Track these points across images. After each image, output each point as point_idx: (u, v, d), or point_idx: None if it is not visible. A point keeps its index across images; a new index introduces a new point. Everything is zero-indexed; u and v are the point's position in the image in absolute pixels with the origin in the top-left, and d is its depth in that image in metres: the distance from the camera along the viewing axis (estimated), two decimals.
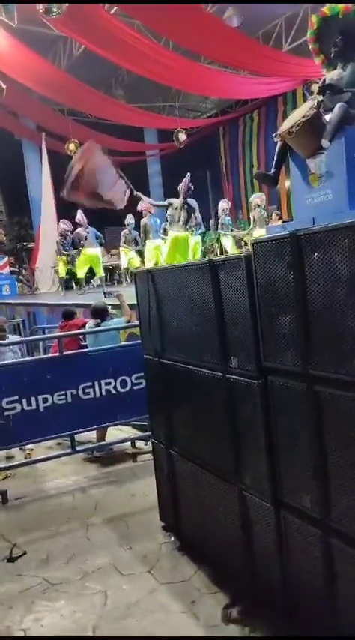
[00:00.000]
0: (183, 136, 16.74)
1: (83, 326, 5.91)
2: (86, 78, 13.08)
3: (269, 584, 2.62)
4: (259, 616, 2.71)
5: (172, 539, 3.63)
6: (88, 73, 13.63)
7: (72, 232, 12.30)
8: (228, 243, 13.10)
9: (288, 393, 2.32)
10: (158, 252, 11.21)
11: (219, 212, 13.11)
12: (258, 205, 11.65)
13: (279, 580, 2.54)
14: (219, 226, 13.34)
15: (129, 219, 12.34)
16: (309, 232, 2.06)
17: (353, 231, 1.86)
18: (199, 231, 12.05)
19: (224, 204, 13.33)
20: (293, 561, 2.46)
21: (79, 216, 11.62)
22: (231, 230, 13.22)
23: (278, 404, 2.41)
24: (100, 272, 12.08)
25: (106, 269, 15.57)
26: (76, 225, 12.07)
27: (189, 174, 9.21)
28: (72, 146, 15.51)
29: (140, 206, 11.07)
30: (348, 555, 2.12)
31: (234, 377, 2.69)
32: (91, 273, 12.66)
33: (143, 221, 11.44)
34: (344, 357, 1.96)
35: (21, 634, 2.84)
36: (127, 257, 12.42)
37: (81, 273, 12.00)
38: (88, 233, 11.62)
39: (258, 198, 11.82)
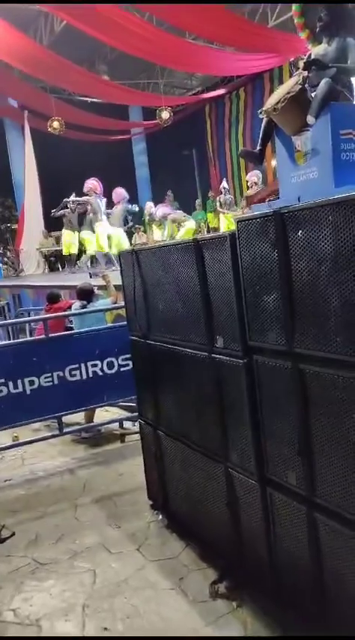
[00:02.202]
0: (166, 114, 16.47)
1: (68, 308, 5.87)
2: (68, 54, 12.76)
3: (257, 560, 2.66)
4: (247, 591, 2.76)
5: (160, 517, 3.66)
6: (71, 49, 13.30)
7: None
8: (223, 222, 13.10)
9: (273, 372, 2.32)
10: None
11: (222, 191, 13.24)
12: (256, 183, 11.56)
13: (266, 555, 2.57)
14: (219, 205, 13.35)
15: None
16: (293, 210, 2.05)
17: (337, 208, 1.84)
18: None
19: (225, 184, 13.41)
20: (279, 537, 2.49)
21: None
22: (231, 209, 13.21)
23: (263, 382, 2.41)
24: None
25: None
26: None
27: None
28: (56, 124, 15.23)
29: (86, 186, 10.71)
30: (333, 530, 2.15)
31: (219, 356, 2.69)
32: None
33: (89, 199, 10.66)
34: (329, 335, 1.97)
35: (10, 614, 2.87)
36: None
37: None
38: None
39: (254, 176, 11.72)
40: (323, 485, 2.15)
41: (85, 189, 10.74)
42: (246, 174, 17.14)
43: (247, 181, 12.29)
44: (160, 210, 12.47)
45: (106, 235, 10.54)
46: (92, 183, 10.74)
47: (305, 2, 3.98)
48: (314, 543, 2.26)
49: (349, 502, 2.03)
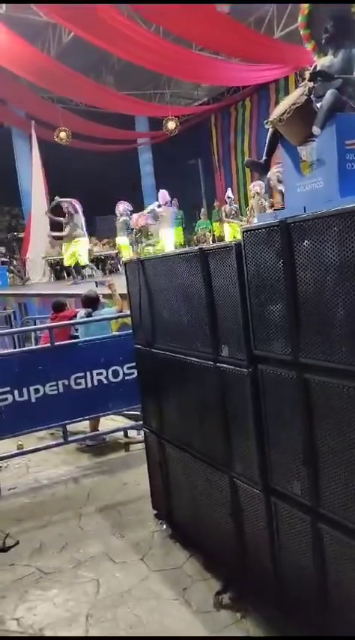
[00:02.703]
0: (172, 124, 16.59)
1: (74, 317, 5.89)
2: (76, 65, 12.92)
3: (261, 570, 2.64)
4: (250, 601, 2.74)
5: (164, 527, 3.65)
6: (78, 59, 13.47)
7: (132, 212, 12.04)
8: (228, 231, 13.18)
9: (278, 381, 2.32)
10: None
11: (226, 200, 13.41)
12: (258, 193, 11.61)
13: (270, 565, 2.56)
14: (224, 215, 13.44)
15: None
16: (299, 220, 2.06)
17: (342, 218, 1.85)
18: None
19: (230, 193, 13.52)
20: (283, 547, 2.48)
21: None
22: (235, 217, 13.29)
23: (268, 392, 2.41)
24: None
25: (98, 259, 15.53)
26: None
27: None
28: (62, 134, 15.36)
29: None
30: (338, 540, 2.14)
31: (224, 365, 2.69)
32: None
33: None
34: (334, 345, 1.97)
35: (14, 623, 2.86)
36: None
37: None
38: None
39: (258, 186, 11.76)
40: (328, 496, 2.14)
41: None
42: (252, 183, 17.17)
43: (250, 190, 12.38)
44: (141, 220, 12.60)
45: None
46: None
47: (311, 2, 4.00)
48: (318, 553, 2.25)
49: (354, 512, 2.02)
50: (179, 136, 17.30)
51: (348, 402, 1.95)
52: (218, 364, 2.74)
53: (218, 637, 2.56)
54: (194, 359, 2.98)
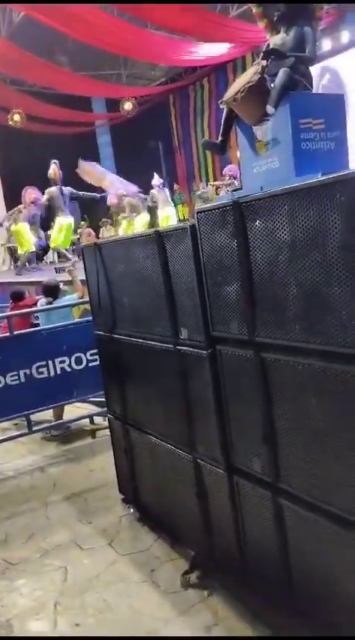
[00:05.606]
0: (129, 105, 16.33)
1: (34, 305, 5.78)
2: (28, 46, 12.49)
3: (226, 548, 2.68)
4: (217, 579, 2.78)
5: (132, 511, 3.66)
6: (30, 40, 13.00)
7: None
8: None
9: (236, 361, 2.34)
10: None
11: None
12: (235, 178, 11.56)
13: (235, 543, 2.60)
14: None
15: None
16: (250, 200, 2.05)
17: (293, 197, 1.85)
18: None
19: (157, 180, 13.60)
20: (247, 524, 2.52)
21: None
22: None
23: (227, 372, 2.42)
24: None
25: None
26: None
27: None
28: (16, 117, 14.94)
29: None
30: (297, 515, 2.18)
31: (184, 348, 2.69)
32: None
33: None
34: (287, 323, 1.98)
35: None
36: None
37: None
38: None
39: (230, 171, 11.72)
40: (287, 471, 2.18)
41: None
42: (213, 164, 17.21)
43: (224, 176, 12.38)
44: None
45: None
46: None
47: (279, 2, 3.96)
48: (279, 528, 2.29)
49: (312, 487, 2.06)
50: (138, 117, 17.04)
51: (303, 378, 1.97)
52: (178, 347, 2.73)
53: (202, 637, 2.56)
54: (154, 343, 2.97)
